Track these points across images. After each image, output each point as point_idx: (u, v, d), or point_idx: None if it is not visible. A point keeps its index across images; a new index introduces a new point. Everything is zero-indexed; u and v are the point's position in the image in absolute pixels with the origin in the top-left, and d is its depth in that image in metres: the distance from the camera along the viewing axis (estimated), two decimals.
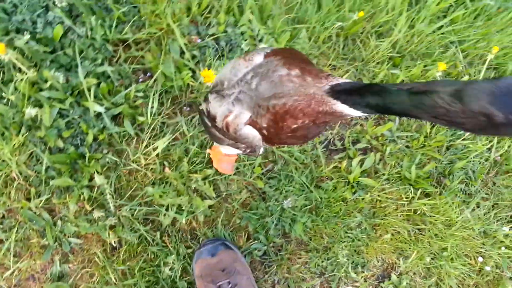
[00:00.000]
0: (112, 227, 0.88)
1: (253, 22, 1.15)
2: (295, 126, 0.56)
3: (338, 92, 0.51)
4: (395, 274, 1.17)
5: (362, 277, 1.13)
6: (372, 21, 1.38)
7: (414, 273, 1.20)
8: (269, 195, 1.06)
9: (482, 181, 1.38)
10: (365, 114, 0.53)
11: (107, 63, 0.94)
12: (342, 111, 0.52)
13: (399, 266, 1.18)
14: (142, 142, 0.93)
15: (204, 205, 0.95)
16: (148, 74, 1.01)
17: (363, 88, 0.50)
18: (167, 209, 0.93)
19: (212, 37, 1.10)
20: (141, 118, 0.93)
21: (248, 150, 0.67)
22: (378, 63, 1.34)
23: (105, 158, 0.89)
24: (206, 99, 0.68)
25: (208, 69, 1.02)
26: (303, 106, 0.54)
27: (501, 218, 1.35)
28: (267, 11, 1.19)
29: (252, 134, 0.61)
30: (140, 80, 0.99)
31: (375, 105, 0.49)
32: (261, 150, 0.65)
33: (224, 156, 0.91)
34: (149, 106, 0.94)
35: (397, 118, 1.31)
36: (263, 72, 0.57)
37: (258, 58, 0.61)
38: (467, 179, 1.34)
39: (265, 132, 0.60)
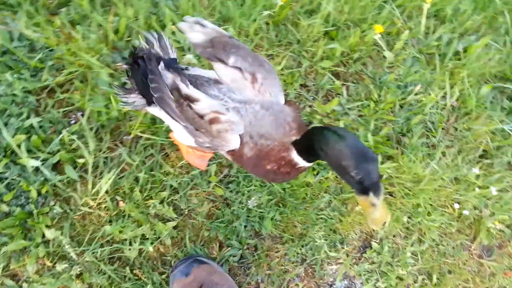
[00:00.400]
0: (79, 276, 0.87)
1: (177, 33, 1.13)
2: (268, 168, 0.70)
3: (295, 143, 0.67)
4: (375, 241, 1.18)
5: (343, 253, 1.13)
6: (299, 1, 1.36)
7: (394, 236, 1.21)
8: (232, 200, 1.06)
9: (443, 129, 1.38)
10: (305, 163, 0.68)
11: (34, 115, 0.92)
12: (293, 158, 0.67)
13: (378, 233, 1.19)
14: (87, 184, 0.91)
15: (167, 228, 0.94)
16: (80, 113, 0.98)
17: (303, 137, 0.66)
18: (130, 243, 0.92)
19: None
20: (81, 160, 0.91)
21: (206, 145, 0.73)
22: (314, 41, 1.32)
23: (54, 210, 0.88)
24: (179, 74, 0.73)
25: None
26: (276, 150, 0.68)
27: (469, 161, 1.35)
28: None
29: (234, 143, 0.70)
30: (72, 122, 0.97)
31: (303, 148, 0.65)
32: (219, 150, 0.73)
33: (199, 152, 0.93)
34: (88, 145, 0.92)
35: (344, 91, 1.30)
36: (275, 110, 0.71)
37: (268, 97, 0.74)
38: (427, 131, 1.34)
39: (245, 158, 0.71)
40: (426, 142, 1.31)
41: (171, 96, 0.72)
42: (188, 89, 0.71)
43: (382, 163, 1.20)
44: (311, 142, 0.63)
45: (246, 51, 0.75)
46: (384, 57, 1.37)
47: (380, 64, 1.35)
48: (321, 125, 0.64)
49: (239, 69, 0.73)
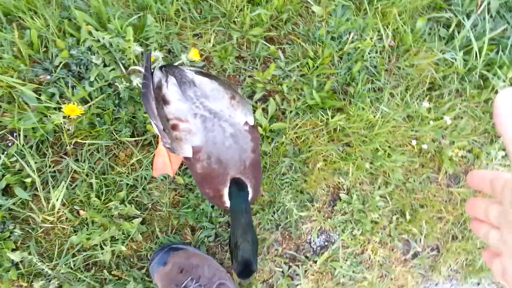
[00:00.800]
0: None
1: (93, 32, 1.31)
2: (206, 191, 0.88)
3: (232, 181, 0.84)
4: (343, 193, 1.45)
5: (314, 210, 1.39)
6: None
7: (360, 183, 1.49)
8: (194, 184, 1.28)
9: (386, 71, 1.67)
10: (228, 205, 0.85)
11: None
12: (223, 194, 0.85)
13: (344, 184, 1.46)
14: (41, 201, 1.09)
15: (134, 226, 1.14)
16: (15, 134, 1.15)
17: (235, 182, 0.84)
18: (101, 247, 1.11)
19: (60, 67, 1.25)
20: (28, 180, 1.09)
21: (167, 146, 0.93)
22: (240, 10, 1.56)
23: (14, 233, 1.05)
24: (167, 74, 0.93)
25: (71, 102, 1.19)
26: (219, 179, 0.84)
27: (418, 96, 1.66)
28: (103, 15, 1.35)
29: (186, 152, 0.87)
30: (10, 144, 1.14)
31: (230, 194, 0.84)
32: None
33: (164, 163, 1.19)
34: (31, 164, 1.10)
35: (281, 54, 1.55)
36: (242, 146, 0.86)
37: (240, 118, 0.91)
38: (371, 76, 1.63)
39: (194, 170, 0.88)
40: (372, 87, 1.59)
41: (153, 94, 0.91)
42: (166, 90, 0.91)
43: (332, 116, 1.46)
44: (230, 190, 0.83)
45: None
46: (314, 12, 1.63)
47: (311, 20, 1.62)
48: (239, 184, 0.84)
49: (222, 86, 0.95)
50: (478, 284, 1.77)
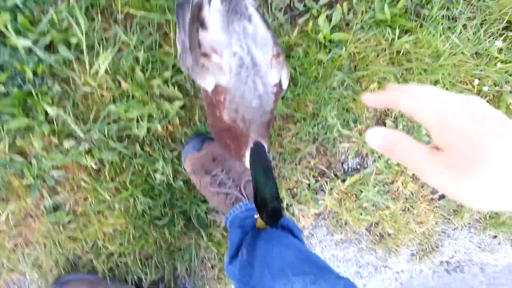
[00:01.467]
0: (88, 152, 0.95)
1: None
2: (227, 142, 0.76)
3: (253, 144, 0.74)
4: (390, 120, 1.25)
5: (356, 131, 1.21)
6: None
7: None
8: None
9: (464, 0, 1.35)
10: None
11: None
12: (245, 156, 0.73)
13: (393, 111, 1.25)
14: (85, 64, 0.94)
15: (174, 108, 0.99)
16: None
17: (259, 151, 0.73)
18: (138, 121, 0.97)
19: None
20: (74, 40, 0.92)
21: (186, 67, 0.76)
22: None
23: (53, 89, 0.92)
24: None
25: None
26: (242, 141, 0.72)
27: (492, 34, 1.37)
28: None
29: (207, 85, 0.71)
30: (59, 2, 0.96)
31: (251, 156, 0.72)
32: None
33: None
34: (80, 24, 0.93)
35: None
36: (264, 99, 0.71)
37: (273, 78, 0.72)
38: (447, 2, 1.32)
39: (216, 113, 0.73)
40: (447, 14, 1.30)
41: (190, 9, 0.73)
42: (207, 13, 0.70)
43: (399, 37, 1.20)
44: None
45: None
46: None
47: None
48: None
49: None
50: (495, 237, 1.63)
